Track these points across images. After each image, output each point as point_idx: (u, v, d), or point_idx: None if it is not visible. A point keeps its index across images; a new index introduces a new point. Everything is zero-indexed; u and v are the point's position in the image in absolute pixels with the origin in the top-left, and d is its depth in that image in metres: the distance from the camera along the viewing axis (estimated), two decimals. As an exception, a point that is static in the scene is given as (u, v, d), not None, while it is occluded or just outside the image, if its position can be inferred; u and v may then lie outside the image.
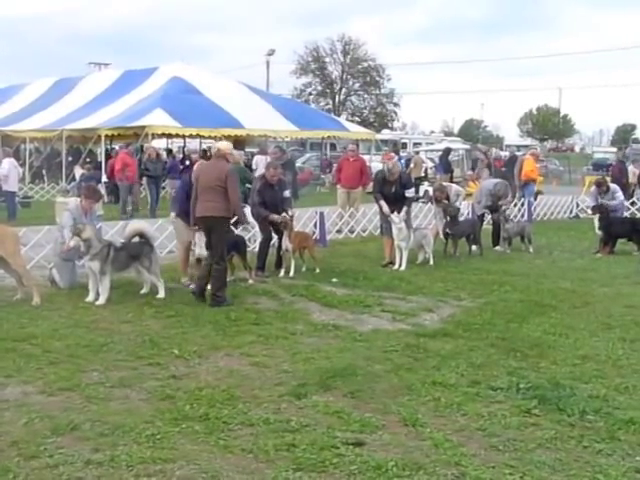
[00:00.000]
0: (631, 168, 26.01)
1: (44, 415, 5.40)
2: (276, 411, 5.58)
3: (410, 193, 12.51)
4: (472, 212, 15.81)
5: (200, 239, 10.28)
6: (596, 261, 13.48)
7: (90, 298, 9.36)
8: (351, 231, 16.38)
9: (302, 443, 4.95)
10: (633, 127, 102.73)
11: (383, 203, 12.25)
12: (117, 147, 30.50)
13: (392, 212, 12.09)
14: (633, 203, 19.94)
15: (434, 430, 5.24)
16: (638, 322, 8.55)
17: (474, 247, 14.06)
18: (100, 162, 27.29)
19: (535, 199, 21.05)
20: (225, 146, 10.50)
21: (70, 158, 29.45)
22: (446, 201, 13.93)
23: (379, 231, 13.36)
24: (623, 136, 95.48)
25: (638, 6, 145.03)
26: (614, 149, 64.41)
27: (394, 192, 12.27)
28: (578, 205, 21.71)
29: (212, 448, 4.90)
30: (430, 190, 15.30)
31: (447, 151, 29.37)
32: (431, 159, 36.40)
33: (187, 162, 28.38)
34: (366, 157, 24.46)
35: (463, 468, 4.65)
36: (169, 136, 29.88)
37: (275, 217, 11.43)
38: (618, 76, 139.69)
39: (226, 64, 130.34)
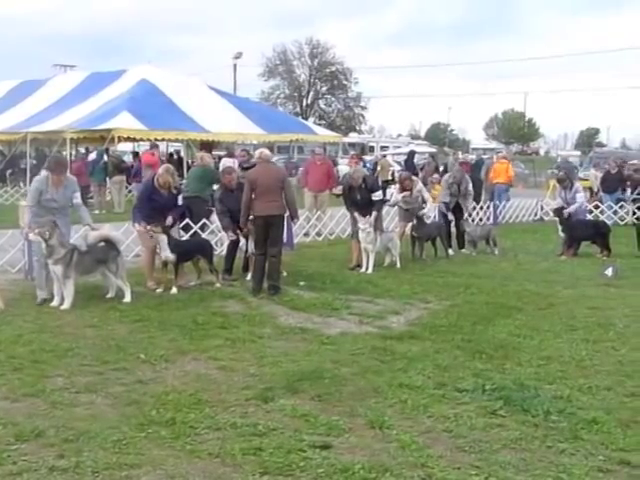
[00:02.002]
0: (593, 172, 26.37)
1: (7, 421, 5.33)
2: (243, 415, 5.57)
3: (377, 196, 12.46)
4: (439, 215, 15.89)
5: (163, 242, 10.24)
6: (560, 263, 13.64)
7: (55, 302, 9.26)
8: (318, 234, 16.40)
9: (269, 447, 4.95)
10: (597, 131, 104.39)
11: (357, 215, 12.26)
12: (83, 150, 30.21)
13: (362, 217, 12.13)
14: (597, 206, 20.22)
15: (401, 432, 5.27)
16: (601, 323, 8.67)
17: (450, 251, 14.17)
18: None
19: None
20: (268, 151, 11.61)
21: (34, 161, 29.10)
22: (409, 192, 13.87)
23: (348, 232, 13.39)
24: (587, 140, 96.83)
25: (603, 12, 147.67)
26: (578, 152, 65.33)
27: (361, 198, 12.27)
28: (543, 208, 21.97)
29: (179, 453, 4.88)
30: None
31: (412, 154, 29.63)
32: (398, 162, 36.61)
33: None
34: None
35: (429, 470, 4.69)
36: (135, 139, 29.63)
37: (230, 236, 11.33)
38: (582, 81, 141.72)
39: (200, 66, 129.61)
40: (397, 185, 15.22)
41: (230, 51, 69.21)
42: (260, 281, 10.43)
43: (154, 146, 22.87)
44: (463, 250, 14.83)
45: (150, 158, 20.92)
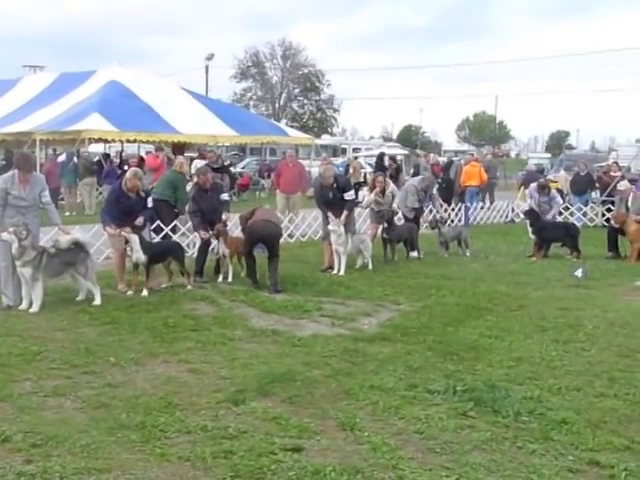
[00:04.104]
0: (563, 174, 26.64)
1: (-26, 427, 5.25)
2: (214, 418, 5.54)
3: (349, 196, 12.41)
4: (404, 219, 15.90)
5: (135, 243, 10.14)
6: (531, 265, 13.75)
7: (24, 306, 9.15)
8: (290, 236, 16.37)
9: (240, 450, 4.93)
10: (567, 134, 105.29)
11: (330, 214, 12.22)
12: (51, 151, 29.85)
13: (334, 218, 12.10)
14: (566, 208, 20.41)
15: (372, 434, 5.27)
16: (571, 324, 8.75)
17: (413, 253, 14.16)
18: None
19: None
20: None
21: (4, 162, 28.74)
22: (381, 195, 13.89)
23: (320, 235, 13.40)
24: (557, 142, 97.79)
25: (571, 16, 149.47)
26: (548, 155, 65.98)
27: (332, 197, 12.25)
28: (513, 210, 22.15)
29: (148, 457, 4.84)
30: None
31: (381, 156, 29.72)
32: (370, 164, 36.72)
33: (125, 167, 27.96)
34: (306, 162, 24.62)
35: (401, 471, 4.70)
36: (106, 141, 29.35)
37: (203, 234, 11.32)
38: (552, 84, 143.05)
39: (172, 68, 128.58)
40: (369, 186, 15.26)
41: (202, 53, 68.85)
42: (255, 273, 10.99)
43: (159, 149, 22.06)
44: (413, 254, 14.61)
45: (154, 161, 19.81)
